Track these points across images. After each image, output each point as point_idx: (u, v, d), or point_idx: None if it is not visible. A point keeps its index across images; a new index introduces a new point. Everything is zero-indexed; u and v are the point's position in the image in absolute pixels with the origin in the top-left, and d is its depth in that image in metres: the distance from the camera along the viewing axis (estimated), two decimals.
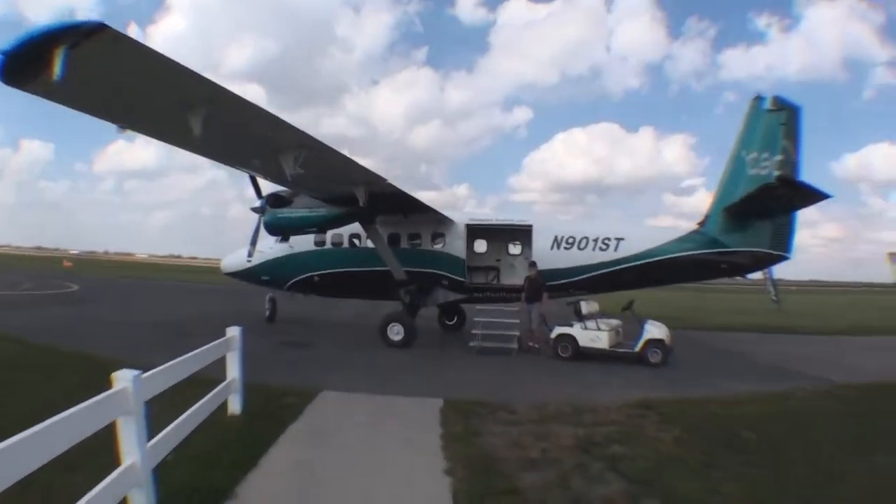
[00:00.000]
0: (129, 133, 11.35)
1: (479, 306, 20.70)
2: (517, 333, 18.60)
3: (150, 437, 6.02)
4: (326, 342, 19.82)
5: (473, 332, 18.81)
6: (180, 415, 7.24)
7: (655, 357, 16.72)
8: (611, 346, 17.25)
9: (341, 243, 21.74)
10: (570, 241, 19.94)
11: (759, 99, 19.48)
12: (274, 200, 19.52)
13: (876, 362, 18.97)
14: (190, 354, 7.64)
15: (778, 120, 19.02)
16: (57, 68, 7.09)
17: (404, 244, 21.17)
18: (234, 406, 9.70)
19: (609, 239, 19.68)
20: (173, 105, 9.86)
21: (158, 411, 6.72)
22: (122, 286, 48.58)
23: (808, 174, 18.14)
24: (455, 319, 24.57)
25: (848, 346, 23.41)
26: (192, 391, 8.28)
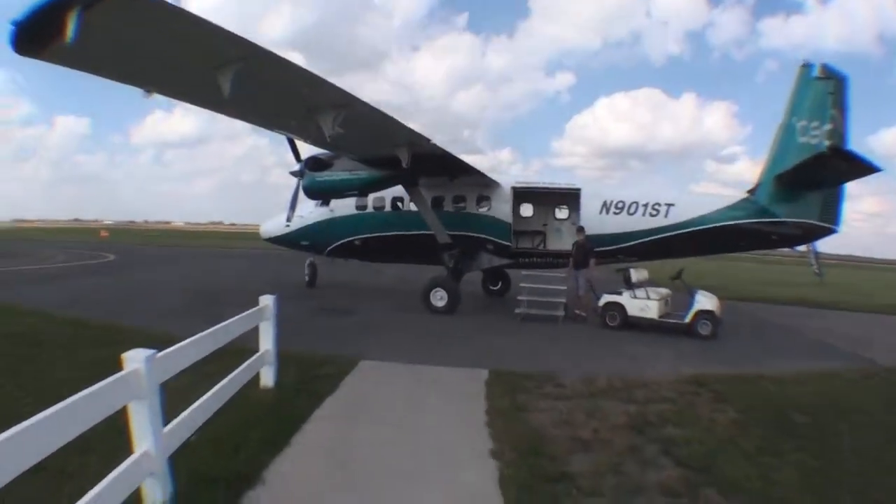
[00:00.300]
0: (156, 96, 10.58)
1: (524, 271, 20.07)
2: (564, 300, 18.09)
3: (171, 418, 5.63)
4: (367, 308, 19.26)
5: (519, 297, 18.34)
6: (208, 390, 6.83)
7: (706, 329, 16.03)
8: (660, 317, 16.62)
9: (383, 207, 21.29)
10: (620, 205, 19.30)
11: (807, 66, 18.74)
12: (313, 164, 18.87)
13: None
14: (216, 328, 7.18)
15: (826, 88, 18.32)
16: (70, 31, 6.74)
17: (448, 207, 20.60)
18: (267, 379, 9.25)
19: (659, 205, 19.03)
20: (200, 65, 9.26)
21: (187, 383, 6.53)
22: (159, 255, 47.58)
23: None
24: (500, 284, 24.10)
25: (893, 325, 22.37)
26: (225, 362, 7.96)
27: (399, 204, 21.06)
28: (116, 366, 4.90)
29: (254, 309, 8.87)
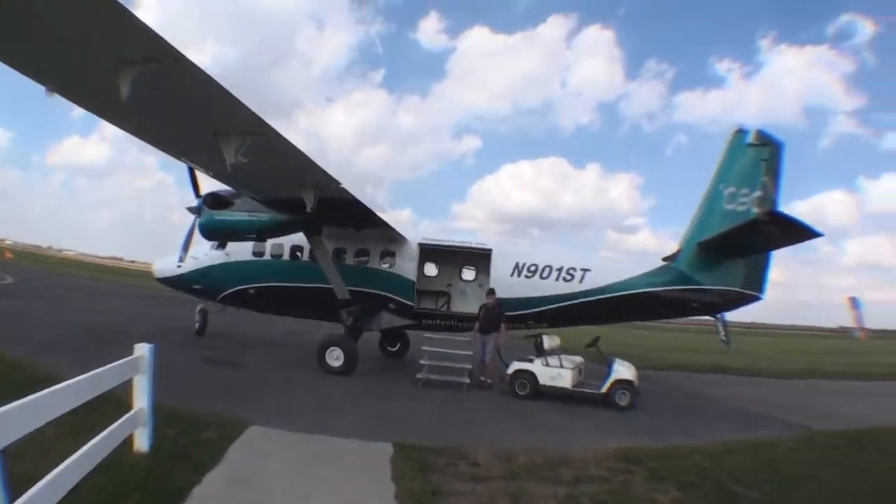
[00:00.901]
0: (57, 96, 9.09)
1: (427, 334, 18.71)
2: (469, 366, 17.09)
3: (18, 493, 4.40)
4: (258, 363, 17.98)
5: (421, 361, 17.11)
6: (71, 452, 5.60)
7: (623, 399, 15.39)
8: (574, 386, 15.84)
9: (281, 255, 19.94)
10: (532, 269, 18.56)
11: (741, 132, 18.43)
12: (212, 201, 17.32)
13: (847, 407, 18.79)
14: (79, 379, 5.87)
15: (760, 156, 18.02)
16: None
17: (350, 261, 19.49)
18: (142, 442, 7.86)
19: (574, 269, 18.40)
20: (102, 56, 7.88)
21: (47, 447, 5.78)
22: (58, 283, 46.37)
23: None
24: (398, 346, 22.81)
25: (811, 389, 23.29)
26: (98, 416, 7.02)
27: (298, 253, 19.77)
28: None
29: (127, 359, 7.52)
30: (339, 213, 16.89)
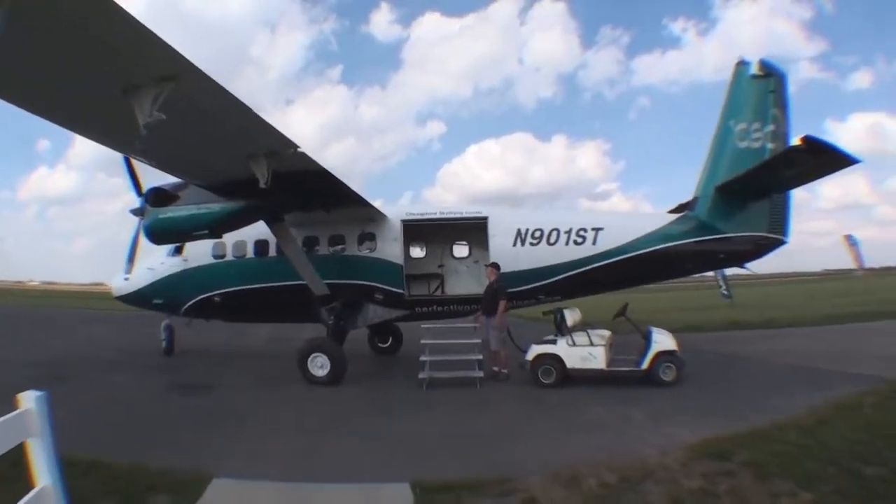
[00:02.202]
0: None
1: (424, 324, 15.80)
2: (480, 357, 14.46)
3: None
4: (231, 383, 15.24)
5: (421, 358, 14.40)
6: None
7: (669, 374, 13.28)
8: (608, 365, 13.54)
9: (245, 254, 17.29)
10: (538, 234, 16.19)
11: (743, 64, 17.03)
12: (155, 197, 14.66)
13: None
14: None
15: (767, 87, 16.67)
16: None
17: (324, 250, 16.89)
18: None
19: (585, 230, 16.09)
20: None
21: None
22: (29, 316, 43.44)
23: None
24: (390, 341, 20.34)
25: (844, 335, 21.68)
26: None
27: (264, 249, 17.10)
28: None
29: (7, 416, 4.99)
30: (303, 192, 14.19)
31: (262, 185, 11.62)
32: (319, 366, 14.61)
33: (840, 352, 17.04)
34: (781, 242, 16.68)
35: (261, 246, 17.11)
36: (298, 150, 11.56)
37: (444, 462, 8.07)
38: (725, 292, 41.92)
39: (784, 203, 16.57)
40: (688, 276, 21.62)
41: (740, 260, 17.11)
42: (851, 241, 46.40)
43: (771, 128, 16.39)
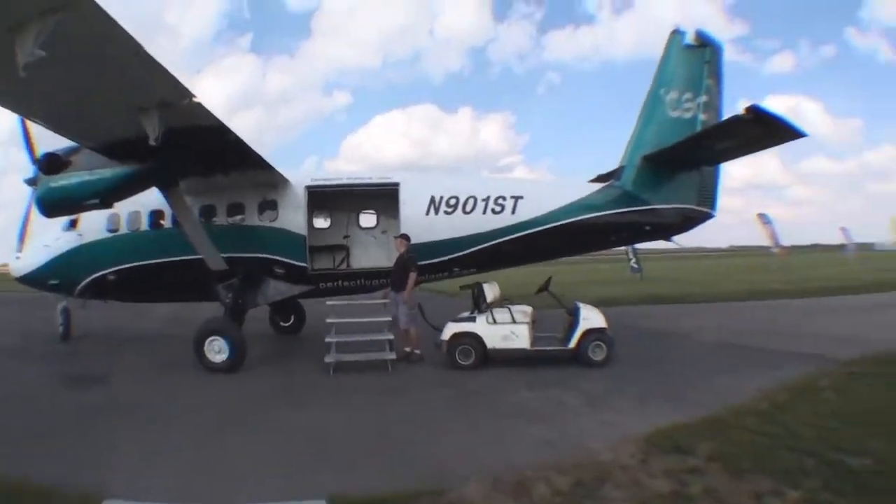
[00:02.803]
0: None
1: (329, 301, 14.46)
2: (391, 337, 13.31)
3: None
4: (125, 372, 13.81)
5: (327, 339, 13.14)
6: None
7: (599, 353, 12.56)
8: (533, 345, 12.71)
9: (139, 227, 15.66)
10: (453, 202, 15.16)
11: (678, 33, 16.48)
12: (48, 164, 13.00)
13: (828, 327, 17.27)
14: None
15: (701, 57, 16.29)
16: None
17: (222, 220, 15.38)
18: None
19: (503, 198, 15.13)
20: None
21: None
22: None
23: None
24: (292, 319, 19.15)
25: (771, 311, 22.47)
26: None
27: (160, 221, 15.56)
28: None
29: None
30: (199, 152, 12.73)
31: (152, 141, 10.35)
32: (217, 350, 13.30)
33: (771, 329, 17.10)
34: (709, 216, 16.33)
35: (156, 217, 15.58)
36: (194, 99, 10.16)
37: (360, 466, 7.04)
38: (635, 266, 42.01)
39: (714, 176, 16.33)
40: (611, 249, 20.89)
41: (667, 233, 16.53)
42: (766, 219, 46.87)
43: (704, 98, 15.99)
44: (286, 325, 19.05)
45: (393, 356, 13.01)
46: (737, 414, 8.38)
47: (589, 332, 12.58)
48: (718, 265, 63.39)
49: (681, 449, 7.03)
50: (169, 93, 9.75)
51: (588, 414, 9.14)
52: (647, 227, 15.90)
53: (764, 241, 49.86)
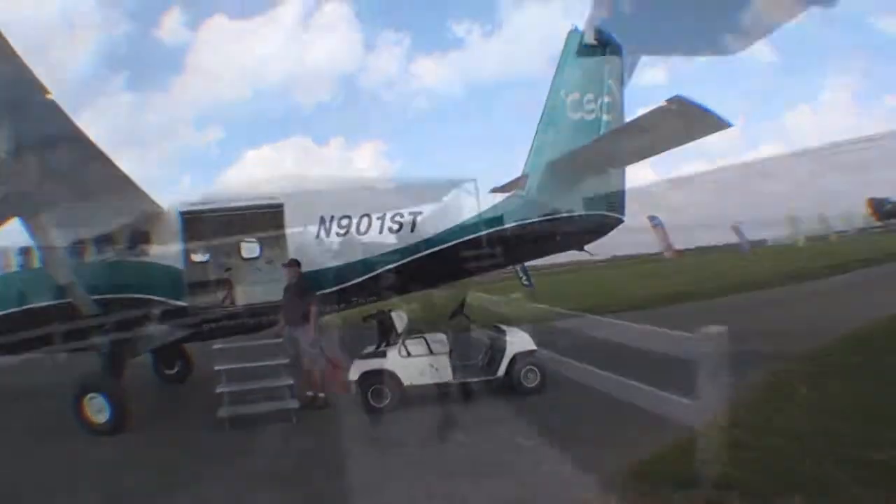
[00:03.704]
0: None
1: (217, 344, 12.77)
2: (291, 381, 11.87)
3: None
4: None
5: (218, 389, 11.63)
6: None
7: (533, 379, 11.62)
8: (457, 376, 11.59)
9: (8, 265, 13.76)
10: (345, 222, 13.84)
11: (576, 33, 15.82)
12: None
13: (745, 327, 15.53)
14: None
15: (603, 57, 15.87)
16: None
17: (89, 255, 13.51)
18: None
19: (401, 214, 13.98)
20: None
21: None
22: None
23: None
24: (177, 366, 16.71)
25: (678, 317, 19.46)
26: None
27: (25, 258, 13.53)
28: None
29: None
30: (55, 171, 10.82)
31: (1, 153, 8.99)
32: (98, 409, 11.60)
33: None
34: (620, 221, 15.89)
35: (25, 255, 13.58)
36: (48, 96, 8.59)
37: None
38: (526, 281, 41.21)
39: (621, 180, 15.98)
40: (524, 262, 19.84)
41: (580, 242, 15.94)
42: (655, 222, 46.60)
43: (606, 99, 15.57)
44: (171, 372, 16.78)
45: (296, 404, 11.58)
46: (721, 429, 7.08)
47: (519, 357, 11.65)
48: (609, 276, 63.95)
49: (685, 482, 6.22)
50: (19, 85, 8.22)
51: (551, 455, 7.97)
52: (557, 238, 15.20)
53: (653, 246, 49.65)
